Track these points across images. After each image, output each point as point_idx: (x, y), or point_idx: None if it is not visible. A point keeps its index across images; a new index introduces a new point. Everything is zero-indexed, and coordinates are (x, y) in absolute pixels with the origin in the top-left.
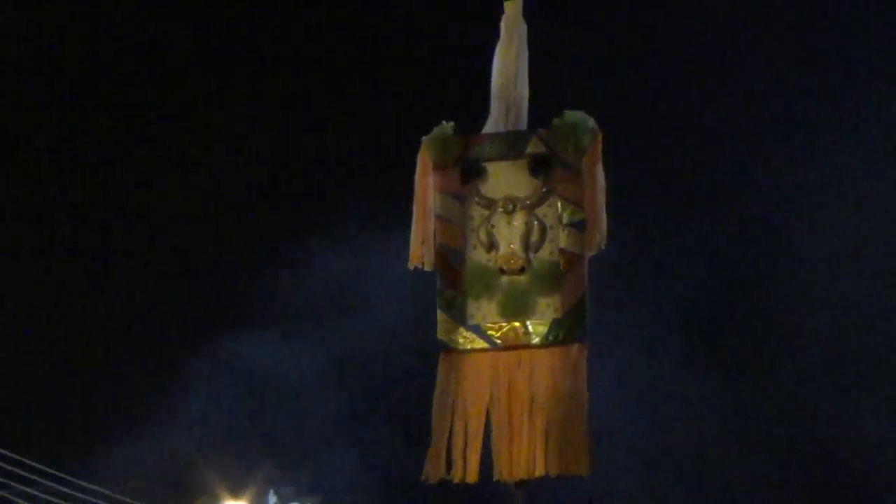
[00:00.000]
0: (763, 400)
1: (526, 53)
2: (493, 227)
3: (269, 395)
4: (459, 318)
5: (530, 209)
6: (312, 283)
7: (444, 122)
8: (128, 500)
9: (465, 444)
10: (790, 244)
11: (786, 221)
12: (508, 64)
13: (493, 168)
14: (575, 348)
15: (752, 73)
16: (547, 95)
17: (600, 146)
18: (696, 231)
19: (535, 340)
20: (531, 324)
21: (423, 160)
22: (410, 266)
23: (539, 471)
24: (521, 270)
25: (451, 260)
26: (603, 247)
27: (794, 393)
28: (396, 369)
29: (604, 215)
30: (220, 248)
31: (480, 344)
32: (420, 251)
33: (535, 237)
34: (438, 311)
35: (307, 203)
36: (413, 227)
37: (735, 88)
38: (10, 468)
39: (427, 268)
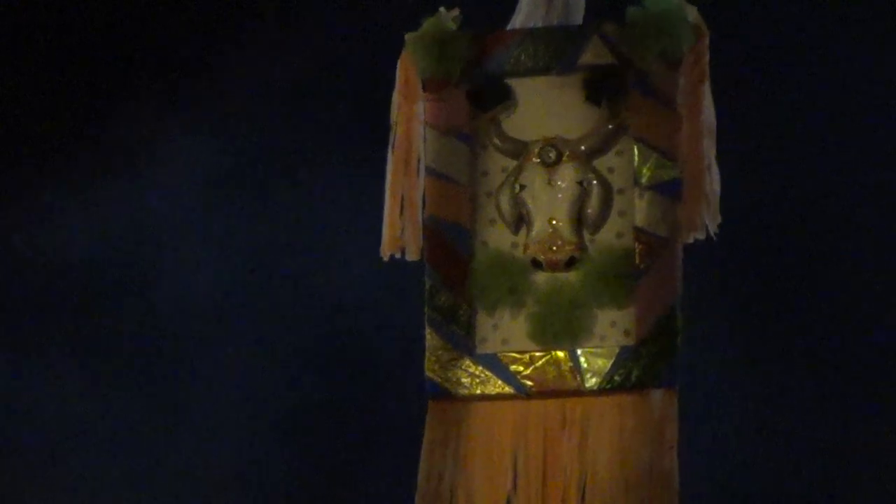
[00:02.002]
0: None
1: None
2: (522, 188)
3: None
4: (463, 342)
5: (586, 159)
6: None
7: (441, 10)
8: None
9: None
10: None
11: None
12: None
13: (524, 89)
14: (659, 397)
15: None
16: None
17: (707, 53)
18: None
19: (592, 383)
20: (585, 355)
21: (406, 73)
22: (384, 254)
23: None
24: (570, 264)
25: (450, 245)
26: (713, 229)
27: None
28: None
29: (714, 171)
30: None
31: (498, 387)
32: (398, 229)
33: (593, 207)
34: (428, 331)
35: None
36: (388, 188)
37: None
38: None
39: (411, 257)
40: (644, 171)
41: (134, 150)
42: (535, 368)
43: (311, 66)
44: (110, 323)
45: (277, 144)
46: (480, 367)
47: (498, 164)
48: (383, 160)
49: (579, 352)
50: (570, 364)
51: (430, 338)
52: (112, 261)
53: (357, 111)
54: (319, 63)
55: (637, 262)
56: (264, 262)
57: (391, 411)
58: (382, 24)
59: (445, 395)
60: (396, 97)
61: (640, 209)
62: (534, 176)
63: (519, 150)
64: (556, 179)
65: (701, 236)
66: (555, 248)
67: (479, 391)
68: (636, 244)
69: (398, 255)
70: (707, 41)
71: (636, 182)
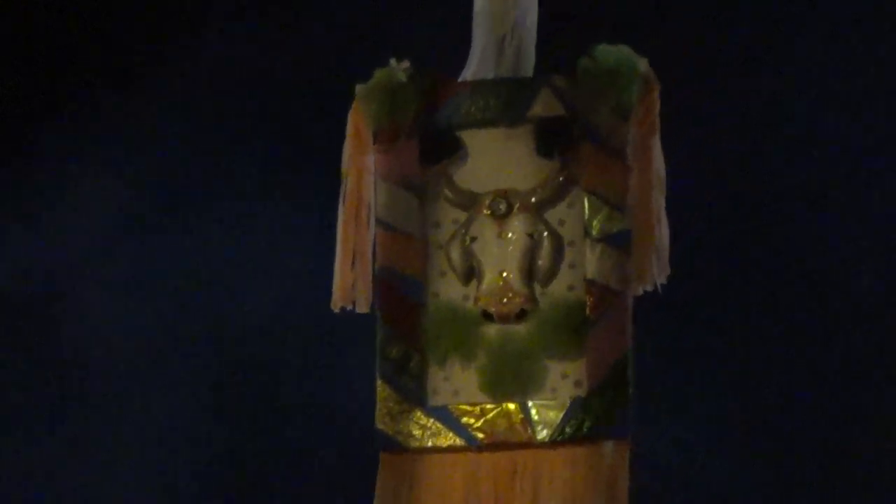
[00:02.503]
0: None
1: None
2: (473, 240)
3: None
4: (414, 394)
5: (537, 211)
6: None
7: (392, 61)
8: None
9: None
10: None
11: None
12: None
13: (475, 140)
14: (610, 448)
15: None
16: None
17: (658, 105)
18: None
19: (543, 435)
20: (536, 406)
21: (357, 124)
22: (335, 307)
23: None
24: (521, 315)
25: (402, 296)
26: (662, 279)
27: None
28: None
29: (664, 223)
30: None
31: (449, 440)
32: (349, 281)
33: (544, 259)
34: (379, 382)
35: None
36: (339, 240)
37: None
38: None
39: (361, 309)
40: (595, 223)
41: (42, 184)
42: (486, 421)
43: (221, 97)
44: (18, 357)
45: (189, 176)
46: (432, 420)
47: (449, 215)
48: (297, 188)
49: (530, 404)
50: (522, 416)
51: (381, 389)
52: (19, 295)
53: (265, 144)
54: (229, 93)
55: (588, 313)
56: (176, 296)
57: (311, 450)
58: (295, 59)
59: (396, 447)
60: (347, 148)
61: (591, 261)
62: (484, 228)
63: (470, 201)
64: (507, 231)
65: (650, 288)
66: (505, 300)
67: (430, 443)
68: (587, 296)
69: (349, 307)
70: (657, 93)
71: (587, 234)
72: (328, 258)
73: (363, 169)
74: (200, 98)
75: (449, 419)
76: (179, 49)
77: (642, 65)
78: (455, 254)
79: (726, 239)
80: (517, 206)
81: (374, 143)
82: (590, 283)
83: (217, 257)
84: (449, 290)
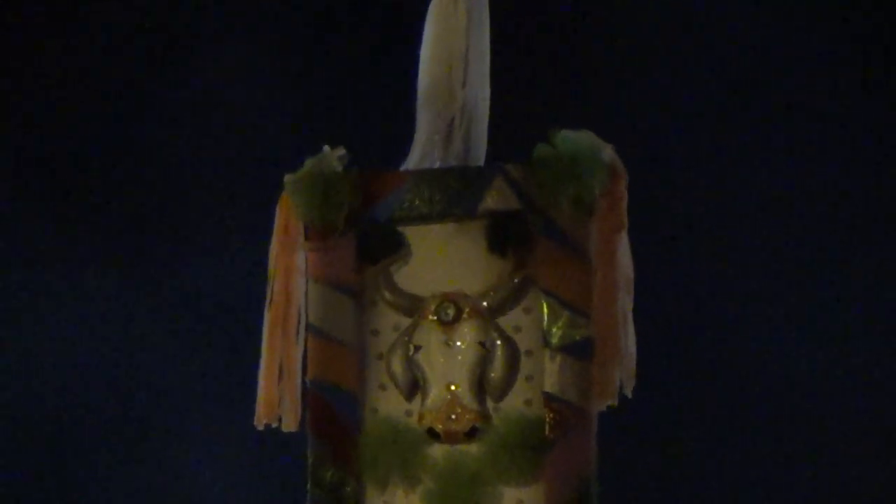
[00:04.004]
0: None
1: (486, 20)
2: (417, 349)
3: None
4: None
5: (489, 317)
6: None
7: (325, 149)
8: None
9: None
10: None
11: None
12: (453, 33)
13: (418, 237)
14: None
15: None
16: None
17: (625, 198)
18: None
19: None
20: None
21: (286, 218)
22: (258, 424)
23: None
24: (471, 434)
25: (335, 413)
26: (628, 393)
27: None
28: None
29: (630, 329)
30: None
31: None
32: (274, 395)
33: (497, 371)
34: None
35: None
36: (264, 348)
37: None
38: None
39: (289, 427)
40: (554, 330)
41: None
42: None
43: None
44: None
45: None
46: None
47: (389, 321)
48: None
49: None
50: None
51: None
52: None
53: (82, 200)
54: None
55: (547, 432)
56: None
57: None
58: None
59: None
60: (274, 245)
61: (551, 373)
62: (430, 335)
63: (413, 306)
64: (455, 339)
65: (614, 403)
66: (454, 416)
67: None
68: (546, 412)
69: (274, 426)
70: (624, 183)
71: (546, 342)
72: None
73: (292, 269)
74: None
75: None
76: None
77: (607, 152)
78: (397, 365)
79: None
80: (467, 310)
81: (304, 240)
82: (549, 398)
83: None
84: (389, 405)
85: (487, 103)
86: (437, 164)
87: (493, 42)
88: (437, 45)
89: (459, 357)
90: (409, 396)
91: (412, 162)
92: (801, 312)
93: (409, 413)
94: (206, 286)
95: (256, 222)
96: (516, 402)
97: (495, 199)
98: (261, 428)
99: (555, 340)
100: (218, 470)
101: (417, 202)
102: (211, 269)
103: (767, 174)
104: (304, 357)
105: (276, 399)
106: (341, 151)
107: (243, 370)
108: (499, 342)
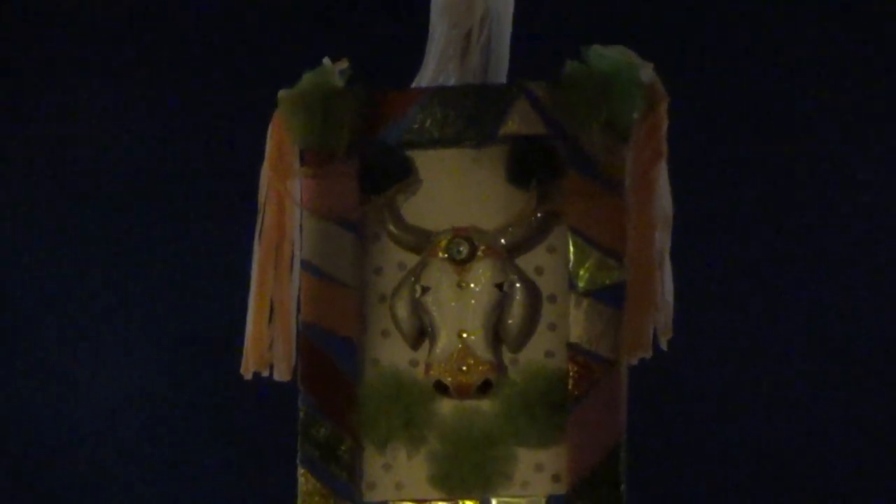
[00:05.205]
0: None
1: None
2: (425, 291)
3: None
4: (346, 487)
5: (508, 256)
6: None
7: (326, 61)
8: None
9: None
10: None
11: None
12: None
13: (429, 164)
14: None
15: None
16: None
17: (665, 124)
18: None
19: None
20: None
21: (279, 141)
22: (246, 373)
23: None
24: (484, 389)
25: (331, 362)
26: (664, 345)
27: None
28: None
29: (668, 273)
30: None
31: None
32: (265, 340)
33: (515, 318)
34: (301, 471)
35: None
36: (253, 288)
37: None
38: None
39: (281, 376)
40: (581, 272)
41: None
42: None
43: None
44: None
45: None
46: None
47: (394, 259)
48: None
49: (494, 502)
50: None
51: (304, 480)
52: None
53: None
54: None
55: (571, 387)
56: None
57: None
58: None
59: None
60: (266, 172)
61: (577, 321)
62: (440, 276)
63: (421, 242)
64: (469, 281)
65: (648, 355)
66: (465, 368)
67: None
68: (570, 365)
69: (265, 374)
70: (665, 107)
71: (572, 286)
72: None
73: (286, 198)
74: None
75: None
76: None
77: (646, 71)
78: (401, 308)
79: None
80: (482, 248)
81: (300, 166)
82: (574, 349)
83: None
84: (392, 354)
85: (511, 13)
86: (452, 82)
87: None
88: None
89: (473, 301)
90: (415, 344)
91: (424, 79)
92: None
93: (414, 363)
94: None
95: None
96: (536, 354)
97: (517, 122)
98: (248, 377)
99: (582, 284)
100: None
101: (429, 124)
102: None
103: None
104: (299, 299)
105: (267, 344)
106: (344, 65)
107: None
108: (518, 285)
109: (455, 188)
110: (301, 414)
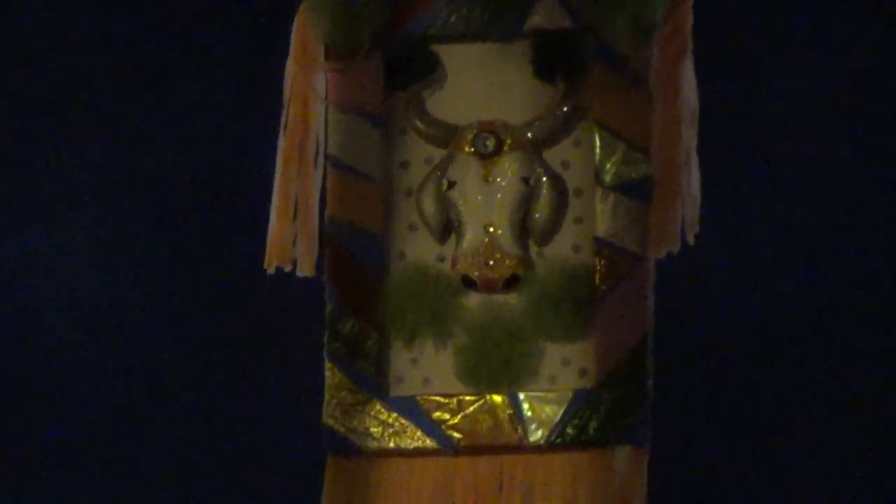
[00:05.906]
0: None
1: None
2: (451, 185)
3: None
4: (373, 382)
5: (534, 150)
6: None
7: None
8: None
9: None
10: None
11: None
12: None
13: (454, 59)
14: (623, 456)
15: None
16: None
17: (690, 20)
18: None
19: (538, 436)
20: (529, 399)
21: (304, 36)
22: (269, 267)
23: None
24: (511, 284)
25: (356, 256)
26: (690, 239)
27: None
28: None
29: (694, 167)
30: None
31: (417, 440)
32: (288, 235)
33: (541, 212)
34: (327, 366)
35: None
36: (277, 182)
37: None
38: None
39: (304, 272)
40: (608, 166)
41: None
42: (465, 416)
43: None
44: None
45: None
46: (395, 414)
47: (420, 153)
48: None
49: (521, 396)
50: (510, 412)
51: (331, 375)
52: None
53: None
54: None
55: (598, 282)
56: None
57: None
58: None
59: (348, 448)
60: (291, 66)
61: (603, 215)
62: (466, 170)
63: (447, 136)
64: (495, 175)
65: (675, 249)
66: (492, 262)
67: (392, 444)
68: (597, 259)
69: (287, 269)
70: (689, 4)
71: (598, 180)
72: None
73: (310, 93)
74: None
75: (417, 414)
76: None
77: None
78: (428, 202)
79: None
80: (508, 142)
81: (325, 61)
82: (600, 243)
83: None
84: (419, 249)
85: None
86: None
87: None
88: None
89: (499, 195)
90: (442, 239)
91: None
92: None
93: (440, 258)
94: None
95: None
96: (563, 248)
97: (543, 16)
98: (271, 271)
99: (608, 178)
100: None
101: (454, 18)
102: None
103: None
104: (324, 193)
105: (290, 239)
106: None
107: None
108: (544, 179)
109: (481, 83)
110: (328, 309)
